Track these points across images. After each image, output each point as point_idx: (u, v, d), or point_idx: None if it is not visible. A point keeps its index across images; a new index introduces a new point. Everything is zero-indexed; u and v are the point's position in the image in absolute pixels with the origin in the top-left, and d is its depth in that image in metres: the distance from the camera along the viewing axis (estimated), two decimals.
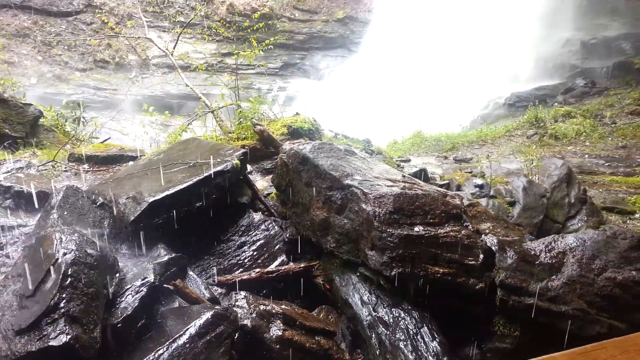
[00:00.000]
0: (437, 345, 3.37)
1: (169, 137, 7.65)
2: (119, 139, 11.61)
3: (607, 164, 9.25)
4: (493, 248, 3.78)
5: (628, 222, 6.52)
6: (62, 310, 2.61)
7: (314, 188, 4.22)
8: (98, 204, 4.00)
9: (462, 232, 3.77)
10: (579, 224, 5.78)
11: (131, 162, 5.48)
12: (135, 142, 9.62)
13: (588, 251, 3.71)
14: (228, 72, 27.01)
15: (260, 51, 9.82)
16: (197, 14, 11.43)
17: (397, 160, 8.16)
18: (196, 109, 9.23)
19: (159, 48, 10.04)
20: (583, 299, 3.45)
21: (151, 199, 3.81)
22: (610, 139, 11.56)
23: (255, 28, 18.88)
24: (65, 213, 3.80)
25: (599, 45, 20.43)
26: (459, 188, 5.78)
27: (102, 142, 7.84)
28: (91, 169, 5.76)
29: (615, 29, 21.52)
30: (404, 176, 4.30)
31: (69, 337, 2.54)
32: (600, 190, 7.05)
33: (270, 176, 5.39)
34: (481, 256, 3.67)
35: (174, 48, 10.08)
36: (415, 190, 3.90)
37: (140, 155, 5.79)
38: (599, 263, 3.64)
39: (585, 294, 3.47)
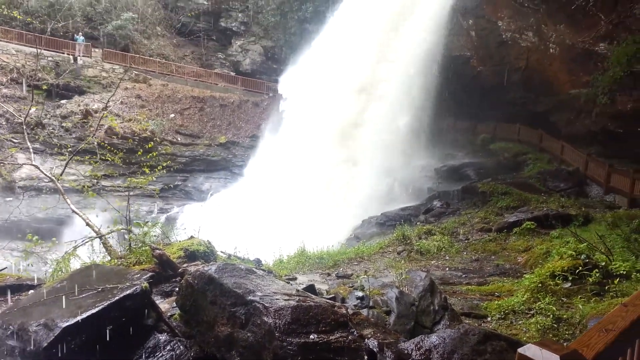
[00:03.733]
0: None
1: (57, 264, 7.59)
2: None
3: (464, 275, 10.74)
4: (374, 349, 4.49)
5: (482, 325, 7.68)
6: None
7: (219, 305, 4.70)
8: (8, 332, 4.08)
9: (349, 337, 4.46)
10: (443, 328, 6.76)
11: (31, 291, 5.48)
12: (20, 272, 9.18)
13: (448, 347, 4.58)
14: (104, 194, 26.47)
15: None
16: (86, 143, 11.66)
17: (285, 278, 8.79)
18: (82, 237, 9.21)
19: (45, 174, 10.07)
20: None
21: (64, 324, 4.02)
22: (465, 253, 13.36)
23: (140, 153, 19.23)
24: None
25: (449, 172, 23.73)
26: (343, 300, 6.54)
27: None
28: None
29: (460, 158, 25.33)
30: (297, 290, 4.97)
31: None
32: (459, 298, 8.27)
33: (171, 298, 5.72)
34: (365, 357, 4.35)
35: (61, 174, 10.17)
36: (308, 303, 4.58)
37: (39, 284, 5.80)
38: (456, 356, 4.50)
39: None
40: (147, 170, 10.21)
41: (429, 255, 13.09)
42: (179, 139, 32.72)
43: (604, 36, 17.05)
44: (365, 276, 7.91)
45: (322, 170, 23.52)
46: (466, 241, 14.69)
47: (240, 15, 39.49)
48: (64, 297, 4.53)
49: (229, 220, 22.47)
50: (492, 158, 24.47)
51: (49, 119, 29.95)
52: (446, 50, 24.02)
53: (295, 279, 10.19)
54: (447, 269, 11.57)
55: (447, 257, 12.88)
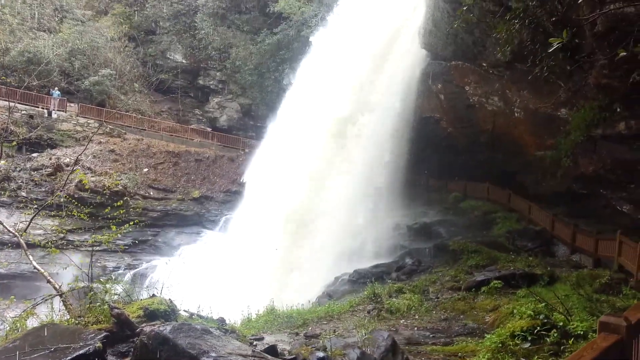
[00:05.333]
0: None
1: (14, 323, 7.29)
2: None
3: (431, 335, 10.66)
4: None
5: None
6: None
7: None
8: None
9: None
10: None
11: None
12: None
13: None
14: (72, 250, 25.81)
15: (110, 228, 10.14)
16: (53, 198, 11.48)
17: (250, 339, 8.59)
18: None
19: (9, 231, 9.86)
20: None
21: None
22: (434, 312, 13.30)
23: (115, 205, 18.97)
24: None
25: (421, 229, 23.88)
26: None
27: None
28: None
29: (432, 215, 25.62)
30: (254, 351, 4.88)
31: None
32: (423, 358, 8.19)
33: (127, 359, 5.54)
34: None
35: (25, 230, 9.96)
36: None
37: None
38: None
39: None
40: (113, 227, 10.08)
41: (398, 314, 12.98)
42: (151, 193, 32.46)
43: (564, 102, 17.89)
44: (329, 336, 7.80)
45: (295, 226, 23.48)
46: (436, 300, 14.66)
47: (218, 74, 40.42)
48: (16, 357, 4.35)
49: (199, 276, 22.07)
50: (463, 216, 24.82)
51: (19, 172, 29.52)
52: (417, 112, 24.83)
53: (262, 338, 9.95)
54: (416, 328, 11.47)
55: (417, 316, 12.79)
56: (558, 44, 5.08)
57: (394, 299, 14.38)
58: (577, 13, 10.14)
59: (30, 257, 9.86)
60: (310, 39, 29.98)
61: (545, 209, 20.79)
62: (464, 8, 12.89)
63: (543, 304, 7.91)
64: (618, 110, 14.11)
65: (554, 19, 11.57)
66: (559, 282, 13.10)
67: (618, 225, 16.00)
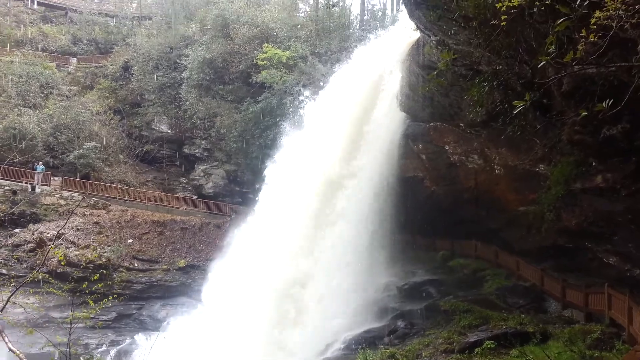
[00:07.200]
0: None
1: None
2: None
3: None
4: None
5: None
6: None
7: None
8: None
9: None
10: None
11: None
12: None
13: None
14: (55, 327, 24.90)
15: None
16: (32, 276, 11.18)
17: None
18: None
19: None
20: None
21: None
22: None
23: (92, 280, 18.51)
24: None
25: (411, 290, 23.51)
26: None
27: None
28: None
29: (421, 274, 25.32)
30: None
31: None
32: None
33: None
34: None
35: (1, 311, 9.60)
36: None
37: None
38: None
39: None
40: (91, 303, 9.77)
41: None
42: (136, 264, 31.85)
43: (541, 158, 18.27)
44: None
45: (281, 293, 23.04)
46: None
47: (203, 142, 40.91)
48: None
49: (185, 351, 21.31)
50: (453, 275, 24.60)
51: (0, 248, 28.94)
52: (400, 172, 25.15)
53: None
54: None
55: None
56: (521, 106, 5.29)
57: None
58: (544, 74, 10.58)
59: (6, 339, 9.43)
60: (296, 109, 31.03)
61: (533, 264, 20.72)
62: (435, 73, 13.41)
63: None
64: (594, 164, 14.42)
65: (522, 80, 12.06)
66: (552, 339, 12.87)
67: (606, 278, 15.94)
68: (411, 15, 16.19)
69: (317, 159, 25.53)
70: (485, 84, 12.58)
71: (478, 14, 10.63)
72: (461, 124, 20.49)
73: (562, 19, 5.31)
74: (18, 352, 10.08)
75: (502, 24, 6.86)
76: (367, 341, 19.01)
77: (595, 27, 5.27)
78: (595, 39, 5.23)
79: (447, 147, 22.94)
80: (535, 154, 17.99)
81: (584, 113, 5.57)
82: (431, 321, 19.59)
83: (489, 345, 13.04)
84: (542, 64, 5.85)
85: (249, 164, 36.81)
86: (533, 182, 19.56)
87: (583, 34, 5.22)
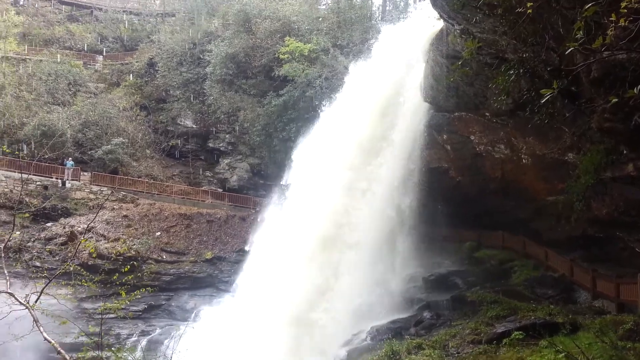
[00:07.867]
0: None
1: None
2: None
3: None
4: None
5: None
6: None
7: None
8: None
9: None
10: None
11: None
12: None
13: None
14: (86, 318, 25.58)
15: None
16: (63, 269, 11.56)
17: None
18: None
19: (21, 303, 9.86)
20: None
21: None
22: None
23: (123, 271, 18.98)
24: None
25: (437, 281, 23.40)
26: None
27: None
28: None
29: (447, 266, 25.18)
30: None
31: None
32: None
33: None
34: None
35: (35, 302, 9.97)
36: None
37: None
38: None
39: None
40: (123, 294, 10.06)
41: None
42: (164, 256, 32.45)
43: (570, 147, 17.95)
44: None
45: (309, 283, 23.17)
46: (457, 355, 14.26)
47: (227, 136, 41.25)
48: None
49: (213, 341, 21.68)
50: (479, 266, 24.38)
51: (34, 242, 29.83)
52: (425, 163, 24.96)
53: None
54: None
55: None
56: (549, 94, 5.21)
57: (413, 356, 14.02)
58: (572, 61, 10.37)
59: (41, 329, 9.80)
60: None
61: (563, 255, 20.41)
62: (459, 62, 13.26)
63: (562, 354, 7.63)
64: (624, 152, 14.11)
65: (549, 68, 11.84)
66: (582, 330, 12.69)
67: (638, 268, 15.62)
68: (434, 4, 16.00)
69: (341, 150, 25.57)
70: (511, 72, 12.38)
71: (503, 1, 10.46)
72: (487, 114, 20.21)
73: (590, 4, 5.20)
74: (53, 341, 10.46)
75: (528, 11, 6.74)
76: (393, 331, 19.03)
77: (625, 10, 5.16)
78: (626, 24, 5.11)
79: (472, 137, 22.67)
80: (563, 142, 17.67)
81: (614, 100, 5.47)
82: (458, 312, 19.49)
83: (517, 336, 12.93)
84: (569, 50, 5.72)
85: (273, 157, 37.01)
86: (562, 171, 19.23)
87: (613, 18, 5.11)
